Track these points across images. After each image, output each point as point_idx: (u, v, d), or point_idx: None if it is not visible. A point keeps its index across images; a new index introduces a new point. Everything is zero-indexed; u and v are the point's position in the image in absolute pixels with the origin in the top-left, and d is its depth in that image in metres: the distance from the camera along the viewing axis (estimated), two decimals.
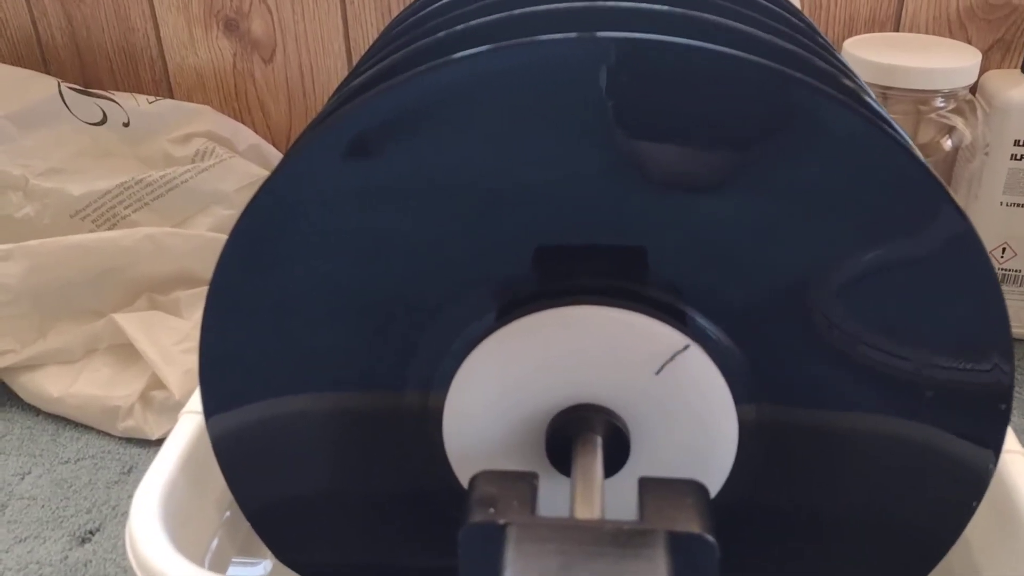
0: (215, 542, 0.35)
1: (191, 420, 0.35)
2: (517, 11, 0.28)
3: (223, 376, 0.30)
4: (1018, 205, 0.64)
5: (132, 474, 0.58)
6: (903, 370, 0.28)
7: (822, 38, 0.36)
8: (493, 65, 0.25)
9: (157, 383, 0.60)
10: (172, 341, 0.62)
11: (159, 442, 0.59)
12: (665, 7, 0.28)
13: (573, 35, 0.25)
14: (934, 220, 0.26)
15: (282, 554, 0.34)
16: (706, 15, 0.28)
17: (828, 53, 0.32)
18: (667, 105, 0.26)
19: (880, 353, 0.28)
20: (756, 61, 0.25)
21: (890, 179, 0.25)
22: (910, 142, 0.28)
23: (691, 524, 0.22)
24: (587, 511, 0.24)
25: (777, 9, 0.33)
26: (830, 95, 0.25)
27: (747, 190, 0.26)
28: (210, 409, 0.31)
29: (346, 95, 0.29)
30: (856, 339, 0.28)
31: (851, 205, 0.26)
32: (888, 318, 0.27)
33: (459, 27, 0.28)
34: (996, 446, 0.29)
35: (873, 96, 0.33)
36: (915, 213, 0.26)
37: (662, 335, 0.28)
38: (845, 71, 0.31)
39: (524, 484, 0.24)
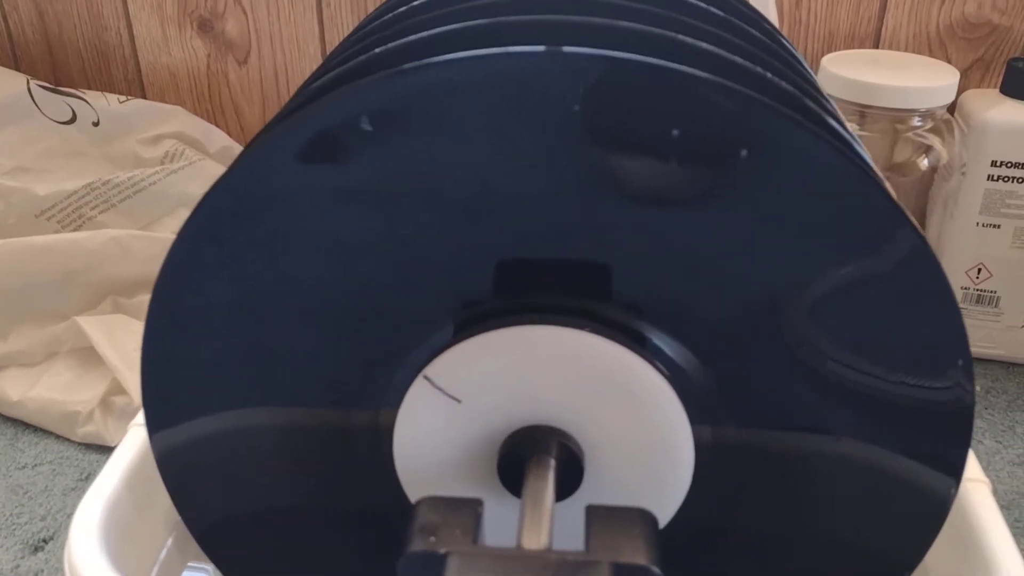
0: (162, 557, 0.34)
1: (139, 433, 0.34)
2: (488, 20, 0.28)
3: (167, 390, 0.30)
4: (994, 226, 0.64)
5: (90, 481, 0.57)
6: (865, 388, 0.28)
7: (790, 54, 0.35)
8: (460, 73, 0.25)
9: (118, 388, 0.59)
10: (135, 346, 0.60)
11: None
12: (642, 26, 0.27)
13: (540, 48, 0.24)
14: (891, 240, 0.26)
15: (231, 573, 0.33)
16: (676, 35, 0.27)
17: (794, 72, 0.31)
18: (632, 122, 0.25)
19: (843, 371, 0.27)
20: (718, 82, 0.24)
21: (846, 199, 0.25)
22: (869, 162, 0.28)
23: (637, 555, 0.22)
24: (534, 540, 0.23)
25: (746, 27, 0.32)
26: (789, 117, 0.24)
27: (712, 207, 0.26)
28: (154, 425, 0.30)
29: (311, 93, 0.28)
30: (820, 357, 0.27)
31: (812, 224, 0.26)
32: (851, 335, 0.27)
33: (431, 31, 0.28)
34: (956, 471, 0.28)
35: (838, 114, 0.32)
36: (872, 233, 0.26)
37: (618, 356, 0.27)
38: (809, 91, 0.30)
39: (468, 512, 0.23)
